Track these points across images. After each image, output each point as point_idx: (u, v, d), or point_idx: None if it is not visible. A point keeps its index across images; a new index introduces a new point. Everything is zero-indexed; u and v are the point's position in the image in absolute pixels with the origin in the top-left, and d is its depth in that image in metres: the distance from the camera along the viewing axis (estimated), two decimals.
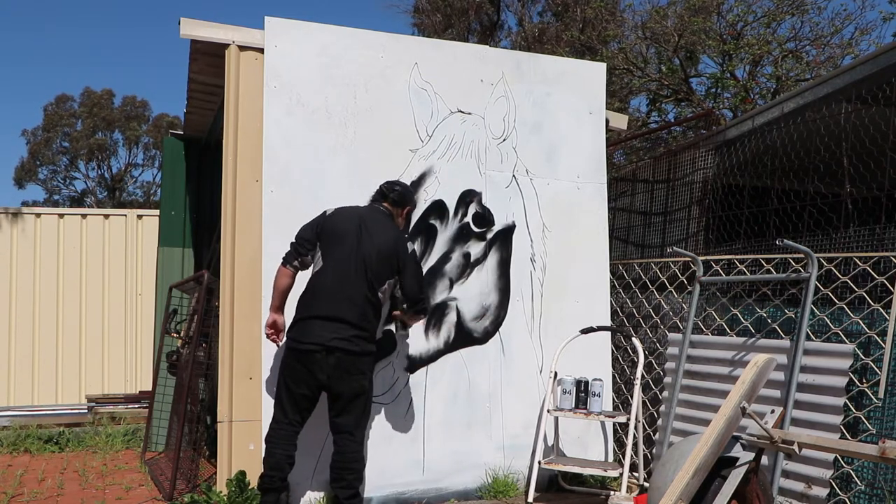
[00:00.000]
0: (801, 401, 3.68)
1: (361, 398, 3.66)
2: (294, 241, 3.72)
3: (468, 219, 4.58)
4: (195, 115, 5.44)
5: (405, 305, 3.88)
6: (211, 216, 5.77)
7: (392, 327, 4.18)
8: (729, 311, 4.38)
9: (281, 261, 3.73)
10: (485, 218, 4.62)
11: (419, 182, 4.45)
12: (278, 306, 3.76)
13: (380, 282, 3.67)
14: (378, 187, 3.93)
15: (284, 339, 3.76)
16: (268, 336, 3.83)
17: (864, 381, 3.59)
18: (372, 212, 3.83)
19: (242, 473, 3.86)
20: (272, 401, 4.00)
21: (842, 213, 4.26)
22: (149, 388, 6.28)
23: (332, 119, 4.28)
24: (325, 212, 3.80)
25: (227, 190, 4.11)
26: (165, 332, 5.33)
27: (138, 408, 6.74)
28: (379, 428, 4.25)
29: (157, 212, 6.98)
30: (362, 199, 4.11)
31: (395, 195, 3.87)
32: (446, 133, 4.55)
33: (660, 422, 4.55)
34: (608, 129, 5.22)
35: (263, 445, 3.70)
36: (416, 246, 4.41)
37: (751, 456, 3.00)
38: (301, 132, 4.20)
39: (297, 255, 3.69)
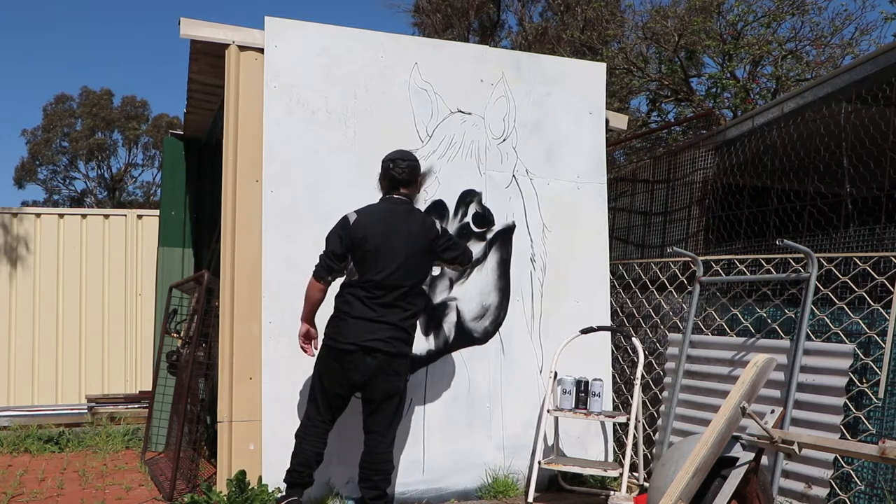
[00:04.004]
0: (801, 401, 3.68)
1: (395, 399, 3.62)
2: (324, 255, 3.63)
3: (468, 219, 4.57)
4: (195, 116, 5.44)
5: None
6: (211, 216, 5.76)
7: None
8: (729, 311, 4.38)
9: (313, 274, 3.64)
10: (485, 218, 4.62)
11: (421, 181, 4.44)
12: (309, 317, 3.71)
13: (423, 277, 3.68)
14: (383, 169, 3.74)
15: (319, 345, 3.73)
16: (302, 347, 3.77)
17: (864, 381, 3.58)
18: (393, 208, 3.68)
19: (242, 473, 3.85)
20: (272, 401, 4.02)
21: (842, 213, 4.26)
22: (149, 388, 6.28)
23: (333, 119, 4.28)
24: (346, 218, 3.64)
25: (227, 190, 4.11)
26: (165, 332, 5.33)
27: (138, 408, 6.74)
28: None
29: (157, 212, 6.98)
30: (362, 199, 4.10)
31: (405, 173, 3.70)
32: (446, 133, 4.55)
33: (660, 422, 4.55)
34: (608, 129, 5.22)
35: (293, 440, 3.68)
36: None
37: (751, 456, 2.99)
38: (301, 132, 4.20)
39: (329, 272, 3.61)
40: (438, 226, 3.84)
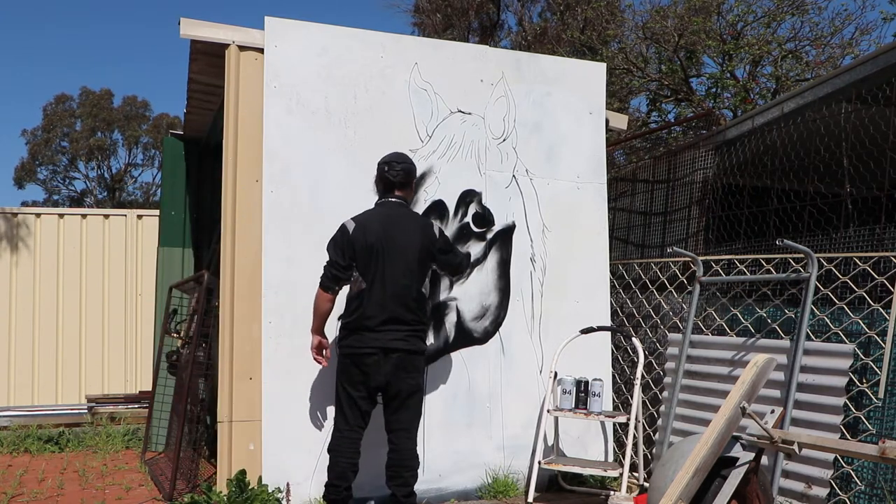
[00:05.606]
0: (801, 401, 3.68)
1: (417, 395, 3.71)
2: (328, 265, 3.64)
3: (468, 219, 4.57)
4: (195, 116, 5.44)
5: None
6: (211, 216, 5.76)
7: None
8: (729, 311, 4.38)
9: (320, 286, 3.65)
10: (485, 218, 4.62)
11: (419, 182, 4.44)
12: (319, 328, 3.75)
13: (423, 278, 3.71)
14: (378, 171, 3.78)
15: (338, 351, 3.75)
16: (315, 359, 3.79)
17: (864, 381, 3.59)
18: (390, 212, 3.71)
19: (242, 473, 3.85)
20: (272, 401, 4.02)
21: (842, 213, 4.26)
22: (149, 388, 6.28)
23: (333, 119, 4.28)
24: (344, 226, 3.67)
25: (227, 190, 4.11)
26: (165, 332, 5.33)
27: (138, 408, 6.74)
28: (379, 428, 4.24)
29: (157, 212, 6.98)
30: (362, 199, 4.11)
31: (400, 175, 3.74)
32: (446, 133, 4.55)
33: (660, 422, 4.55)
34: (608, 129, 5.22)
35: (326, 455, 3.70)
36: None
37: (751, 456, 3.00)
38: (301, 132, 4.20)
39: (336, 281, 3.63)
40: (436, 228, 3.86)
